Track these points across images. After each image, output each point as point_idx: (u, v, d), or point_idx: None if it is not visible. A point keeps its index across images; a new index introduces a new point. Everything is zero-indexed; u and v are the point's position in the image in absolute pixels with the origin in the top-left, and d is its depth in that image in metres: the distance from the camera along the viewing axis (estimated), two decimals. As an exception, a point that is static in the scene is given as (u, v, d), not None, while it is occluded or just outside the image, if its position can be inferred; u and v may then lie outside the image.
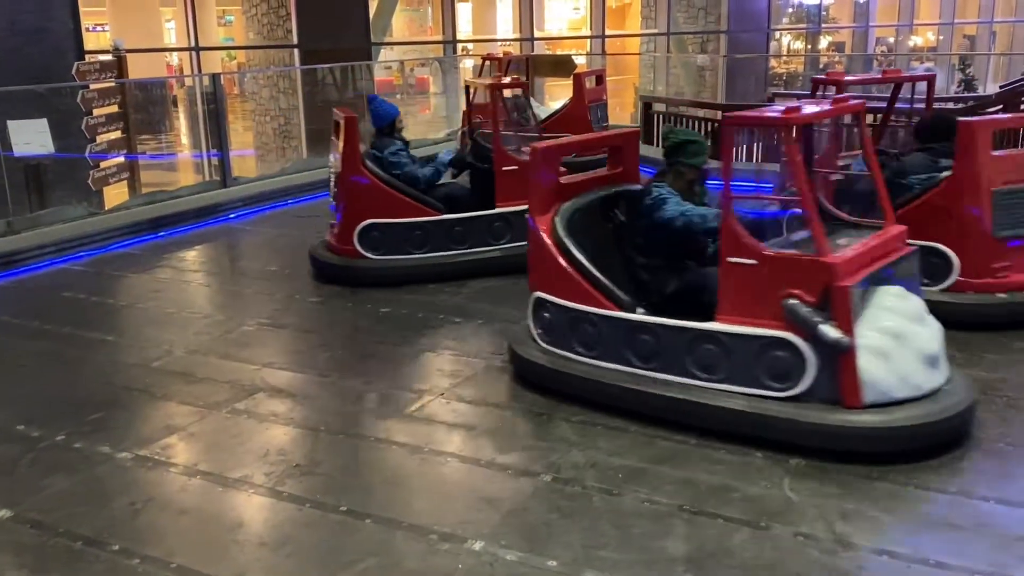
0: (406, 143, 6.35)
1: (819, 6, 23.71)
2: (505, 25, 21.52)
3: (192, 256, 7.12)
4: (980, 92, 19.02)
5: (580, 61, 18.42)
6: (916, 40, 27.74)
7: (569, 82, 10.61)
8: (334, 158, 6.12)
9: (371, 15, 15.75)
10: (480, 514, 3.19)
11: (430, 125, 14.93)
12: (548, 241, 4.19)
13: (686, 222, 3.96)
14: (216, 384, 4.41)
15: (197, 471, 3.58)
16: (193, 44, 13.94)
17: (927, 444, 3.47)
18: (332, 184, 6.19)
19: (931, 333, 3.66)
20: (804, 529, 3.06)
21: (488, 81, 6.80)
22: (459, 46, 19.00)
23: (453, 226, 6.04)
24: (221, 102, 9.18)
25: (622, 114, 17.53)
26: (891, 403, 3.47)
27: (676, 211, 3.99)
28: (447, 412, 4.04)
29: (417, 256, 5.99)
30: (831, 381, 3.49)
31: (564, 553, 2.95)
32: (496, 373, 4.47)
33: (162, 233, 7.57)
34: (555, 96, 14.48)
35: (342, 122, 5.93)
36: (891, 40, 26.84)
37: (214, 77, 9.40)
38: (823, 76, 6.09)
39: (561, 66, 11.46)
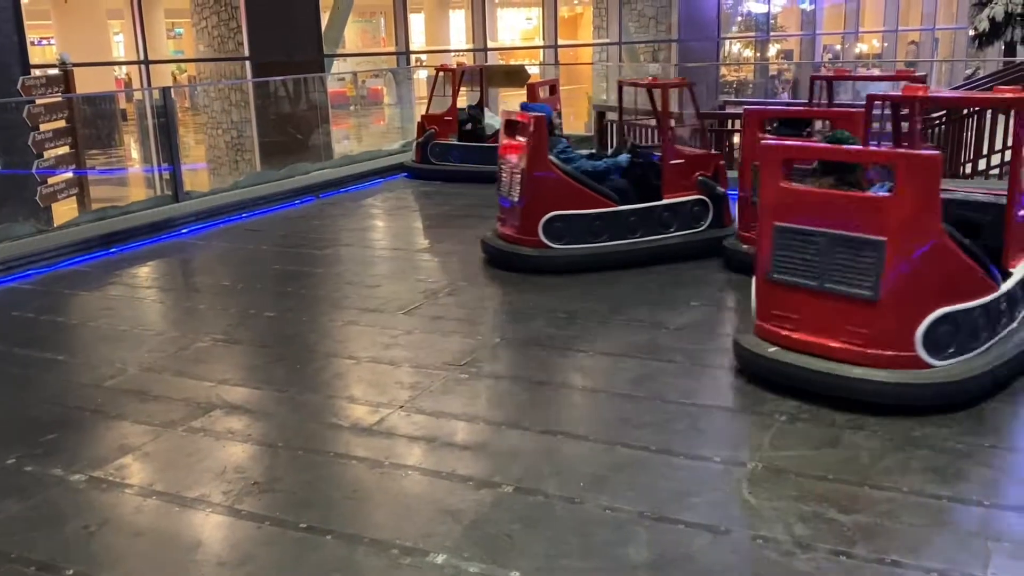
0: (567, 140, 6.84)
1: (767, 15, 24.11)
2: (458, 36, 21.58)
3: (144, 272, 7.01)
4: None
5: (534, 71, 18.52)
6: (862, 47, 28.33)
7: (523, 92, 10.67)
8: (515, 157, 6.49)
9: (323, 27, 15.69)
10: (442, 527, 3.18)
11: (384, 136, 14.89)
12: (953, 247, 3.99)
13: None
14: (171, 402, 4.34)
15: (153, 491, 3.52)
16: (142, 57, 13.76)
17: None
18: (508, 179, 6.57)
19: None
20: (763, 532, 3.09)
21: (648, 81, 7.07)
22: (412, 57, 19.01)
23: (629, 216, 6.46)
24: (172, 116, 9.06)
25: (576, 123, 17.67)
26: None
27: None
28: (407, 425, 4.02)
29: (596, 244, 6.42)
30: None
31: (527, 563, 2.95)
32: (452, 384, 4.46)
33: (113, 249, 7.44)
34: (511, 106, 14.54)
35: (530, 122, 6.35)
36: (838, 47, 27.38)
37: (164, 91, 9.28)
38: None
39: (514, 76, 11.51)
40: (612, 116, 12.63)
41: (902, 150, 4.16)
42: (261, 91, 13.94)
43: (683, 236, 6.55)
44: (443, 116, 10.64)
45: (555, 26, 20.03)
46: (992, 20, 19.47)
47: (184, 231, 8.07)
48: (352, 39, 21.68)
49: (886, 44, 28.32)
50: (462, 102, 11.48)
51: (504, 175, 6.61)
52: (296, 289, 6.31)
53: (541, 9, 20.77)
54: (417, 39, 22.48)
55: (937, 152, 3.99)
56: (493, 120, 11.04)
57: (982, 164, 9.74)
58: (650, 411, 4.09)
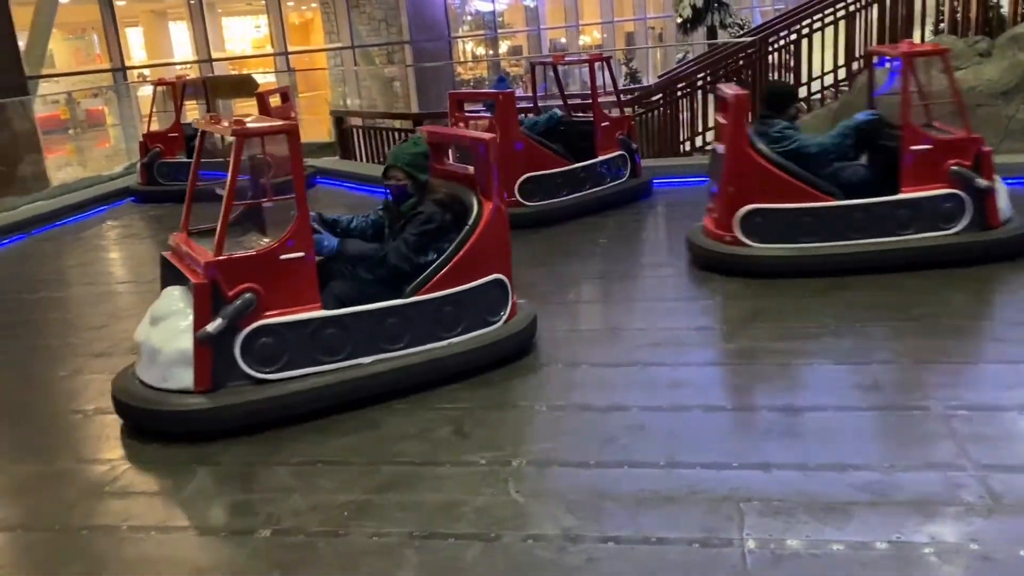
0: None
1: (494, 13, 24.73)
2: (184, 48, 20.41)
3: None
4: (644, 83, 20.76)
5: (269, 79, 17.83)
6: (585, 39, 29.81)
7: (254, 102, 10.18)
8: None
9: (24, 46, 14.28)
10: (193, 589, 2.88)
11: (111, 159, 13.76)
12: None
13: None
14: None
15: None
16: None
17: None
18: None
19: None
20: (533, 531, 3.04)
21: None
22: (134, 72, 17.76)
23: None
24: None
25: (320, 129, 17.20)
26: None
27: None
28: (143, 481, 3.63)
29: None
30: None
31: (291, 612, 2.72)
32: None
33: None
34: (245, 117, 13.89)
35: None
36: (563, 40, 28.63)
37: None
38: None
39: (242, 86, 10.99)
40: (354, 121, 12.41)
41: None
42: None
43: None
44: (167, 133, 9.95)
45: (283, 33, 19.44)
46: (694, 7, 21.07)
47: None
48: (64, 58, 19.91)
49: (605, 35, 29.97)
50: (190, 116, 10.80)
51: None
52: (6, 341, 5.58)
53: (267, 16, 20.08)
54: (137, 54, 21.04)
55: None
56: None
57: (699, 141, 10.46)
58: (409, 422, 3.95)
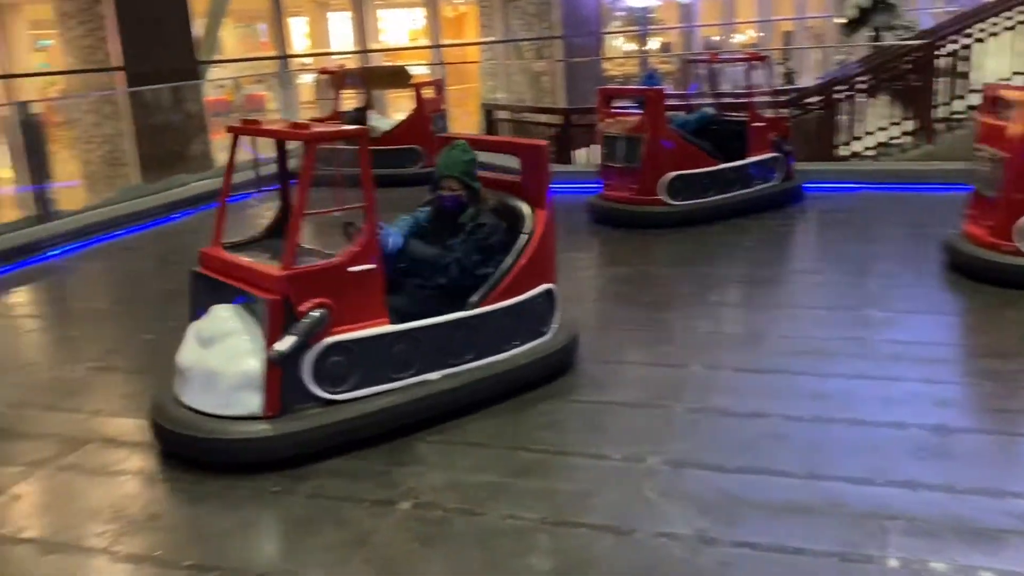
0: None
1: (645, 9, 24.49)
2: (344, 38, 21.22)
3: (10, 300, 6.55)
4: (799, 84, 20.09)
5: (422, 71, 18.33)
6: (740, 37, 29.13)
7: (408, 93, 10.52)
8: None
9: (199, 33, 15.17)
10: (339, 552, 3.03)
11: (271, 143, 14.48)
12: None
13: None
14: (40, 439, 4.03)
15: (20, 539, 3.24)
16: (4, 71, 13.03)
17: None
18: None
19: None
20: (666, 529, 3.04)
21: None
22: (296, 61, 18.59)
23: None
24: (36, 131, 8.56)
25: (469, 122, 17.54)
26: None
27: None
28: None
29: None
30: None
31: (427, 583, 2.83)
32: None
33: (-26, 277, 6.95)
34: (400, 108, 14.36)
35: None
36: (716, 39, 28.06)
37: (19, 106, 8.79)
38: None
39: (397, 77, 11.35)
40: (501, 114, 12.62)
41: None
42: (135, 102, 13.35)
43: None
44: (326, 120, 10.38)
45: (437, 26, 19.93)
46: (859, 7, 20.24)
47: (55, 253, 7.60)
48: (232, 45, 21.07)
49: (762, 34, 29.19)
50: (346, 106, 11.25)
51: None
52: (178, 309, 5.95)
53: (424, 9, 20.61)
54: (302, 43, 22.04)
55: None
56: (379, 123, 10.85)
57: (857, 147, 10.07)
58: (547, 412, 4.01)
